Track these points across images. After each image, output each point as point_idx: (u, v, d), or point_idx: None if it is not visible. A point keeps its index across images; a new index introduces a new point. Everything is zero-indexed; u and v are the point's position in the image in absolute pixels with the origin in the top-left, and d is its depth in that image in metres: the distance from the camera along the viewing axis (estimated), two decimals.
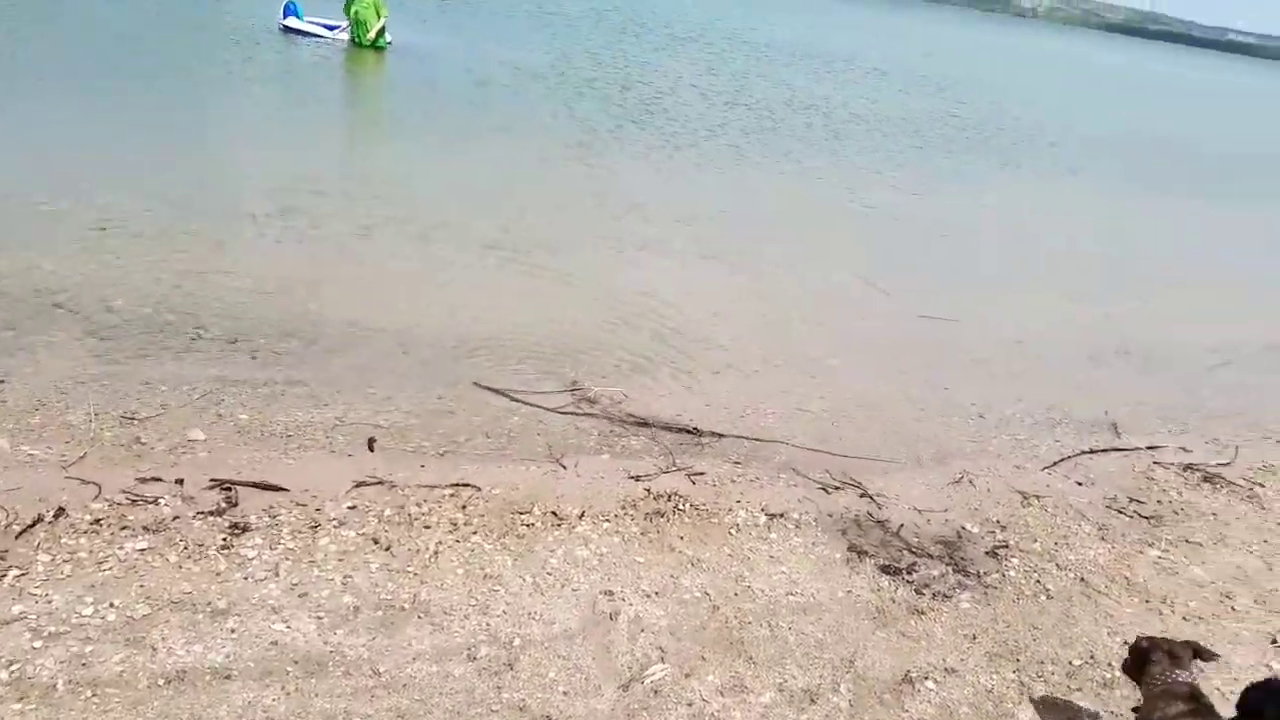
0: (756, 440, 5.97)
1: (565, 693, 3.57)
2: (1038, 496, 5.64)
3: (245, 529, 4.25)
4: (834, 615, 4.26)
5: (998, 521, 5.29)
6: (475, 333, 6.93)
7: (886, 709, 3.72)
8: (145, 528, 4.16)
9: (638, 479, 5.21)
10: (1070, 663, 4.12)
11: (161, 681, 3.34)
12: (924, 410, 6.81)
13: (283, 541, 4.20)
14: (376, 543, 4.28)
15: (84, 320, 6.20)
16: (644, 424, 5.94)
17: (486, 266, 8.42)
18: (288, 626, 3.68)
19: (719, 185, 13.23)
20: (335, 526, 4.36)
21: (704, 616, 4.12)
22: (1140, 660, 3.40)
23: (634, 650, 3.85)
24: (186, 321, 6.41)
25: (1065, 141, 23.68)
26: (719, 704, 3.62)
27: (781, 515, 5.03)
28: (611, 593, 4.18)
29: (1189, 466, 6.31)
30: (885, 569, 4.66)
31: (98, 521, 4.15)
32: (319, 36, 19.70)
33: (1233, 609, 4.68)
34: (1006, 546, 5.02)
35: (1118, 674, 3.92)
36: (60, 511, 4.17)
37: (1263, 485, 6.17)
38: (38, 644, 3.41)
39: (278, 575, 3.97)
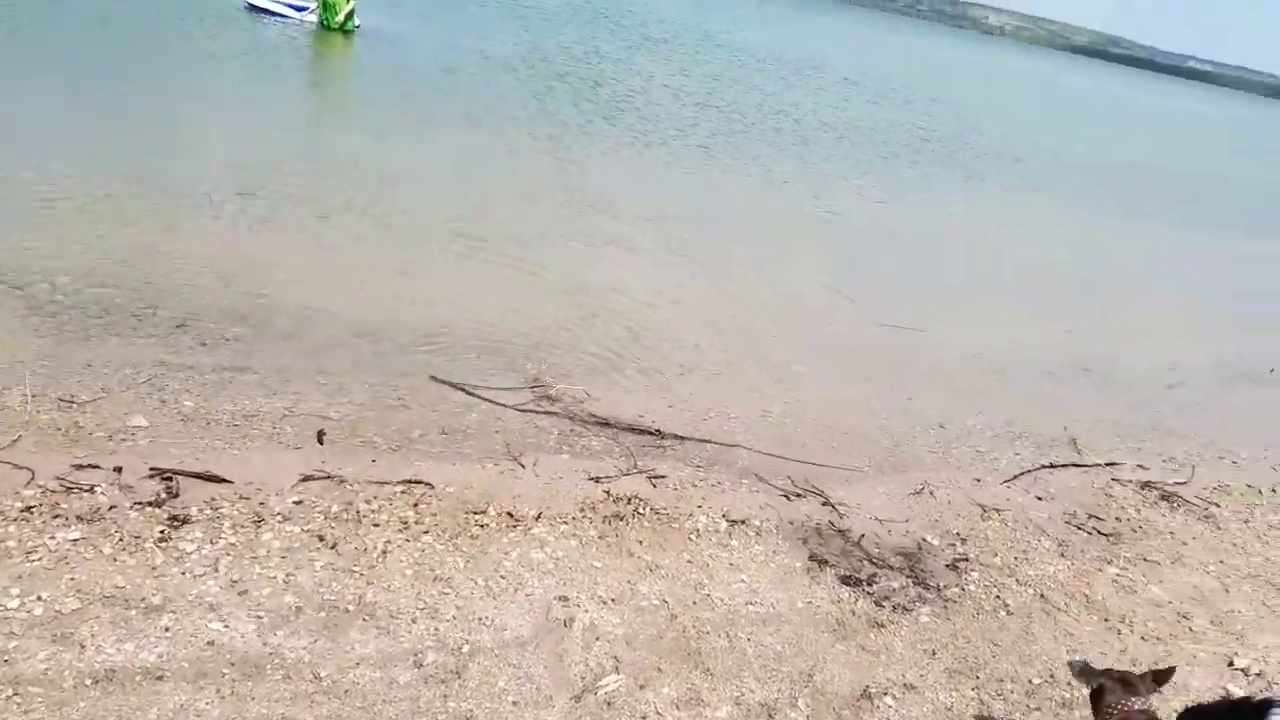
0: (719, 444, 5.87)
1: (515, 703, 3.44)
2: (998, 510, 5.61)
3: (185, 521, 4.06)
4: (793, 627, 4.17)
5: (958, 534, 5.24)
6: (434, 324, 6.76)
7: None
8: (79, 517, 3.96)
9: (597, 480, 5.08)
10: (1030, 681, 4.07)
11: (89, 681, 3.16)
12: (886, 419, 6.77)
13: (224, 536, 4.02)
14: (322, 540, 4.11)
15: (25, 297, 5.95)
16: (605, 424, 5.82)
17: (449, 256, 8.24)
18: (225, 626, 3.52)
19: (688, 185, 13.15)
20: (280, 522, 4.18)
21: (661, 625, 4.01)
22: (1097, 693, 3.35)
23: (588, 659, 3.72)
24: (134, 302, 6.18)
25: (1030, 158, 23.94)
26: (674, 717, 3.51)
27: (743, 522, 4.94)
28: (566, 598, 4.05)
29: (1147, 484, 6.33)
30: (846, 580, 4.59)
31: (29, 509, 3.95)
32: (286, 17, 19.32)
33: (1190, 629, 4.67)
34: (967, 560, 4.97)
35: (1077, 694, 3.87)
36: None
37: (1219, 505, 6.20)
38: None
39: (217, 571, 3.79)
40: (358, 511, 4.36)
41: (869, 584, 4.59)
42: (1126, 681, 3.25)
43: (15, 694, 3.05)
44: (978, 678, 4.04)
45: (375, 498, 4.51)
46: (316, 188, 9.32)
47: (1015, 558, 5.08)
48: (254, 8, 19.25)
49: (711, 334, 7.69)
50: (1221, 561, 5.44)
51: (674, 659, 3.82)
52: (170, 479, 4.36)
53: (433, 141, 12.46)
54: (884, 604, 4.44)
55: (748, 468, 5.64)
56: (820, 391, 7.00)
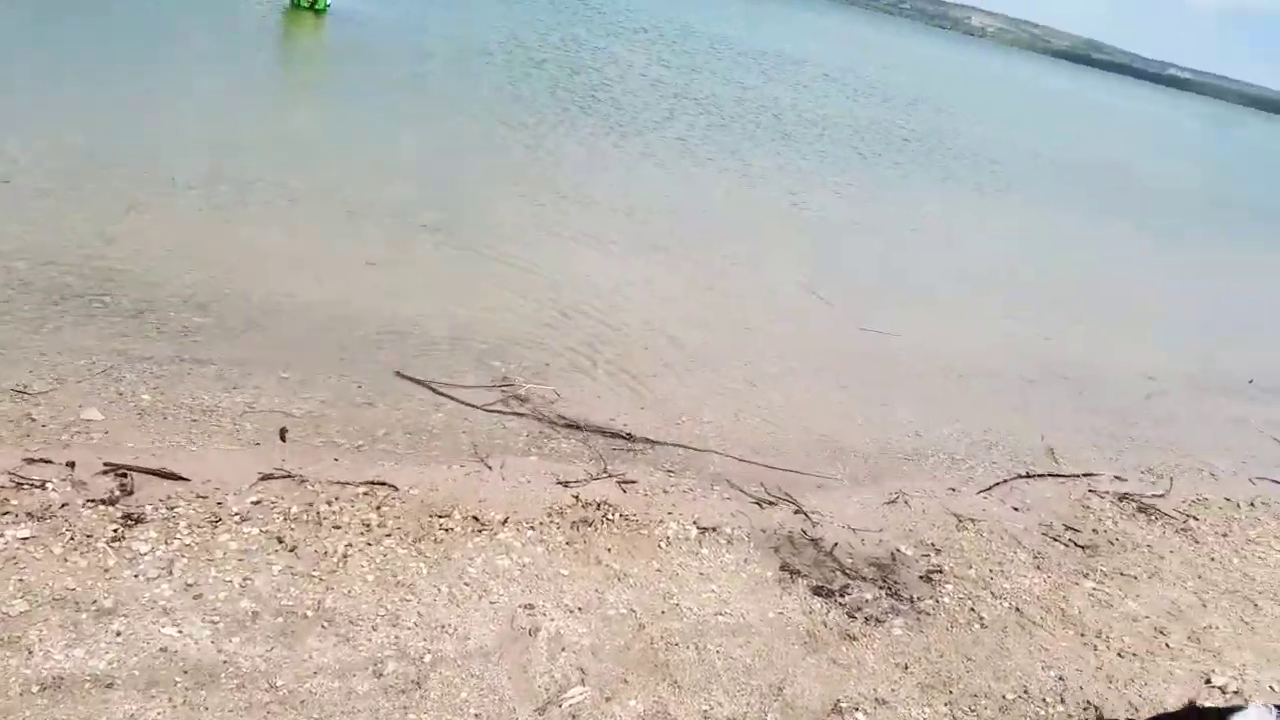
0: (691, 449, 5.77)
1: (477, 715, 3.33)
2: (973, 520, 5.56)
3: (139, 520, 3.90)
4: (764, 638, 4.08)
5: (932, 544, 5.18)
6: (402, 318, 6.60)
7: None
8: (29, 514, 3.79)
9: (566, 485, 4.97)
10: (1004, 696, 4.01)
11: (36, 688, 3.01)
12: (861, 425, 6.70)
13: (179, 536, 3.86)
14: (281, 542, 3.96)
15: None
16: (576, 426, 5.70)
17: (419, 247, 8.07)
18: (179, 631, 3.37)
19: (664, 178, 13.05)
20: (237, 522, 4.03)
21: (629, 636, 3.91)
22: None
23: (553, 670, 3.62)
24: (90, 288, 5.96)
25: (1008, 160, 24.04)
26: None
27: (714, 529, 4.85)
28: (532, 606, 3.94)
29: (1124, 496, 6.31)
30: (818, 590, 4.51)
31: None
32: None
33: (1167, 645, 4.63)
34: (941, 571, 4.91)
35: (1051, 710, 3.83)
36: None
37: (1197, 519, 6.19)
38: None
39: (171, 574, 3.64)
40: (318, 513, 4.22)
41: (841, 595, 4.51)
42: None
43: None
44: (951, 693, 3.97)
45: (337, 499, 4.37)
46: (284, 173, 9.09)
47: (990, 570, 5.02)
48: None
49: (685, 334, 7.58)
50: (1199, 576, 5.42)
51: (641, 671, 3.72)
52: (125, 475, 4.19)
53: (404, 127, 12.27)
54: (856, 616, 4.37)
55: (720, 474, 5.54)
56: (795, 396, 6.93)
